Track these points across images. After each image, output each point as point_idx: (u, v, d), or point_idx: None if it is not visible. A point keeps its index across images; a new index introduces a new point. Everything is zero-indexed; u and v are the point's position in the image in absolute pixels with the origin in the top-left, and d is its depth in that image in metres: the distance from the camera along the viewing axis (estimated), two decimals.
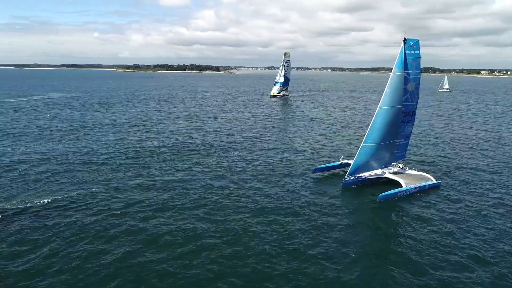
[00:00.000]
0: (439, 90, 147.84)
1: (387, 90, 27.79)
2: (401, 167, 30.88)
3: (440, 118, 70.09)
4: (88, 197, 25.62)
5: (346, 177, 28.19)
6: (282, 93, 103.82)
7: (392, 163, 30.93)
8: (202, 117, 66.01)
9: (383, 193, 25.75)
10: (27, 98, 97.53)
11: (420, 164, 35.12)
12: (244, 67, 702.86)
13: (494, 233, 21.66)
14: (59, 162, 33.94)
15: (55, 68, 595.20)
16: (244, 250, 19.19)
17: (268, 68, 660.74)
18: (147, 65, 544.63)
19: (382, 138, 27.95)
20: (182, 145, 42.22)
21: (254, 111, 76.07)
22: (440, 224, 22.78)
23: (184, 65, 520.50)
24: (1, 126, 52.60)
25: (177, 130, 52.65)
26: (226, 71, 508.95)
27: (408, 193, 26.83)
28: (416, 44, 28.36)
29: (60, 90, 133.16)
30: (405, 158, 32.16)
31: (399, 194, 26.29)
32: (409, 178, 28.99)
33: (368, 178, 29.09)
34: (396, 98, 27.82)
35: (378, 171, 29.50)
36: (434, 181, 28.93)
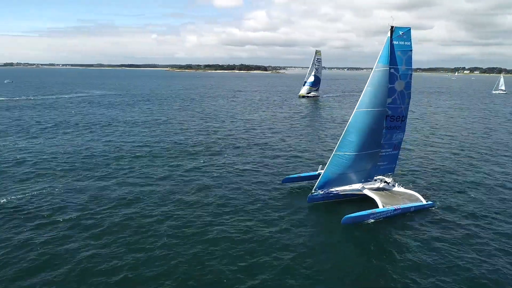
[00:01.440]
0: (494, 92, 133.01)
1: (367, 88, 22.98)
2: (388, 182, 25.74)
3: (484, 123, 61.37)
4: (29, 198, 23.86)
5: (313, 191, 23.78)
6: (312, 93, 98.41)
7: (376, 177, 25.93)
8: (219, 117, 63.51)
9: (349, 215, 21.12)
10: (68, 96, 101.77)
11: (422, 179, 29.55)
12: (294, 67, 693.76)
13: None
14: (49, 158, 32.98)
15: (115, 68, 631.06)
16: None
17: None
18: (198, 65, 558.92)
19: (359, 147, 23.15)
20: (177, 145, 39.76)
21: (277, 112, 71.95)
22: (419, 256, 17.92)
23: (233, 65, 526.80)
24: (20, 122, 53.97)
25: (185, 129, 50.40)
26: (274, 71, 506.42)
27: (384, 215, 21.86)
28: (406, 33, 23.19)
29: (103, 88, 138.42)
30: (394, 172, 26.90)
31: (371, 216, 21.45)
32: (391, 197, 23.92)
33: (342, 194, 24.43)
34: (378, 99, 22.89)
35: (357, 186, 24.70)
36: (424, 202, 23.56)
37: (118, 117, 61.42)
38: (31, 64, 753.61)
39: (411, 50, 23.51)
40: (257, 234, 19.84)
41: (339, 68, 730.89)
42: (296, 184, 26.87)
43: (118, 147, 38.59)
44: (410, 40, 23.30)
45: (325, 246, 18.96)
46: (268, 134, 48.10)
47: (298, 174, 27.63)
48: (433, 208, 23.54)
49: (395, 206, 22.31)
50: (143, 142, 41.57)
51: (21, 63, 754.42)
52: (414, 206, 22.95)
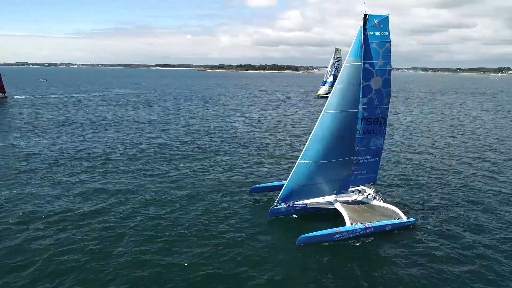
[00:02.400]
0: None
1: (336, 86, 19.87)
2: (367, 194, 22.44)
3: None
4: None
5: (275, 203, 20.94)
6: None
7: (354, 188, 22.71)
8: (234, 116, 61.60)
9: (306, 234, 18.17)
10: (91, 94, 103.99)
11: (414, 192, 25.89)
12: (326, 67, 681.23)
13: None
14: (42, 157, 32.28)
15: (150, 68, 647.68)
16: None
17: None
18: (230, 65, 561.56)
19: (327, 154, 20.06)
20: (170, 146, 38.06)
21: (292, 113, 68.51)
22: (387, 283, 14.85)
23: (265, 65, 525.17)
24: (31, 119, 54.58)
25: (192, 129, 48.85)
26: (306, 71, 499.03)
27: (352, 235, 18.70)
28: (383, 22, 19.88)
29: (128, 87, 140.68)
30: (376, 182, 23.49)
31: (335, 236, 18.35)
32: (366, 213, 20.65)
33: (311, 207, 21.46)
34: (349, 99, 19.70)
35: (329, 198, 21.62)
36: (405, 219, 20.12)
37: (124, 115, 60.88)
38: (74, 64, 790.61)
39: (389, 42, 20.15)
40: (197, 252, 17.39)
41: None
42: (268, 194, 23.96)
43: (97, 147, 37.37)
44: (387, 30, 19.95)
45: (274, 268, 16.17)
46: (269, 137, 45.31)
47: (268, 184, 24.76)
48: (414, 226, 20.09)
49: (367, 224, 19.08)
50: (125, 141, 40.16)
51: (64, 63, 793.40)
52: (392, 224, 19.58)
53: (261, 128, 51.35)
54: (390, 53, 20.28)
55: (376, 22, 19.71)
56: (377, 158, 22.36)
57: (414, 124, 56.33)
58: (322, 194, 21.30)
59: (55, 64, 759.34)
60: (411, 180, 28.12)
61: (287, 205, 21.04)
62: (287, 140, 43.33)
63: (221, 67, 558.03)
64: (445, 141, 43.54)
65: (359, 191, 22.55)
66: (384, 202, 21.92)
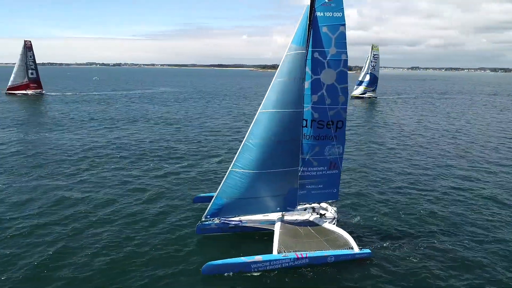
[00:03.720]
0: None
1: (275, 80, 16.15)
2: (321, 214, 18.33)
3: None
4: None
5: (203, 218, 17.64)
6: (368, 94, 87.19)
7: (307, 205, 18.71)
8: (241, 115, 59.10)
9: (214, 262, 14.73)
10: (133, 92, 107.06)
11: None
12: (384, 67, 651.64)
13: None
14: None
15: (204, 68, 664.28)
16: None
17: (412, 68, 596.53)
18: None
19: (262, 163, 16.37)
20: (164, 147, 36.32)
21: None
22: None
23: None
24: (62, 115, 56.35)
25: (206, 127, 47.15)
26: (359, 71, 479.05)
27: (276, 266, 14.91)
28: (336, 1, 15.77)
29: (170, 85, 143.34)
30: (338, 199, 19.21)
31: (253, 266, 14.71)
32: (308, 238, 16.62)
33: (247, 226, 17.87)
34: (290, 95, 15.89)
35: (273, 216, 17.90)
36: (356, 250, 15.81)
37: (148, 112, 60.64)
38: (136, 64, 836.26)
39: (344, 25, 15.98)
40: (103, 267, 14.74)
41: (435, 69, 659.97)
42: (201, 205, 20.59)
43: (83, 145, 36.36)
44: (342, 10, 15.81)
45: None
46: None
47: (213, 193, 21.41)
48: (369, 259, 15.75)
49: (300, 253, 15.16)
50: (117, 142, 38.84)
51: (127, 64, 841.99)
52: (336, 255, 15.44)
53: None
54: (345, 39, 16.10)
55: (327, 0, 15.68)
56: (336, 171, 18.13)
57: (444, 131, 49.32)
58: (261, 210, 17.63)
59: (119, 64, 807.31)
60: (387, 202, 23.11)
61: (218, 222, 17.69)
62: None
63: (273, 67, 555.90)
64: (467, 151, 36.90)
65: (314, 209, 18.51)
66: (338, 225, 17.69)
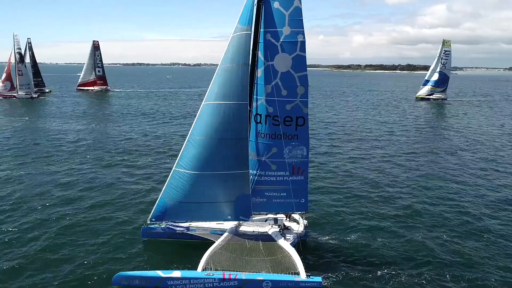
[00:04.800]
0: None
1: (218, 68, 13.83)
2: (283, 227, 15.38)
3: None
4: None
5: (148, 221, 15.85)
6: (435, 95, 77.82)
7: (269, 215, 15.89)
8: None
9: (124, 273, 12.85)
10: (197, 89, 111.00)
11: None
12: (476, 67, 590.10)
13: None
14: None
15: None
16: None
17: (510, 69, 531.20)
18: (358, 65, 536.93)
19: (205, 163, 14.13)
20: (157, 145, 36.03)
21: (374, 117, 58.75)
22: None
23: (397, 65, 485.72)
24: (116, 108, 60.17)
25: None
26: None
27: (197, 285, 12.48)
28: None
29: None
30: (307, 211, 15.97)
31: (168, 283, 12.52)
32: (250, 256, 13.86)
33: (195, 235, 15.67)
34: (233, 85, 13.43)
35: (229, 224, 15.49)
36: (302, 278, 12.70)
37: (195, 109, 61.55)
38: (215, 64, 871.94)
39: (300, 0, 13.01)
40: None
41: None
42: None
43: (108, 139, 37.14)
44: None
45: None
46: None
47: None
48: None
49: (229, 274, 12.61)
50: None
51: (207, 64, 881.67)
52: (273, 280, 12.58)
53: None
54: (301, 16, 13.15)
55: None
56: (302, 177, 15.07)
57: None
58: (209, 217, 15.35)
59: (199, 65, 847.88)
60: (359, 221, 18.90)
61: (164, 226, 15.83)
62: (363, 145, 36.09)
63: (348, 67, 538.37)
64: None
65: (276, 221, 15.67)
66: (292, 243, 14.61)
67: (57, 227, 17.03)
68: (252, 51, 13.69)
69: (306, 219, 16.29)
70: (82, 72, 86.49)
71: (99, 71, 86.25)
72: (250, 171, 15.04)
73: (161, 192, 15.34)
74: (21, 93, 75.32)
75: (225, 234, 14.87)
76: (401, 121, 53.10)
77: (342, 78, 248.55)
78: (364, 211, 19.68)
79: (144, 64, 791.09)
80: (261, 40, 13.57)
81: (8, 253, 14.73)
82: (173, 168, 14.93)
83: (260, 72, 13.87)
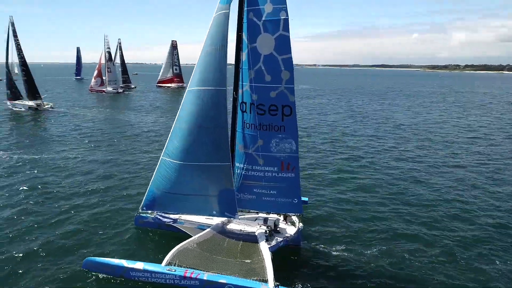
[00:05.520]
0: None
1: (201, 53, 12.93)
2: (269, 229, 13.81)
3: None
4: None
5: (140, 209, 15.56)
6: None
7: (261, 214, 14.46)
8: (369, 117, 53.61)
9: (93, 258, 12.62)
10: None
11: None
12: None
13: None
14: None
15: (365, 68, 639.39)
16: None
17: None
18: (457, 65, 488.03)
19: (187, 153, 13.33)
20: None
21: (435, 119, 53.17)
22: None
23: (500, 65, 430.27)
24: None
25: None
26: None
27: (158, 279, 11.73)
28: None
29: (310, 84, 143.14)
30: (302, 213, 14.09)
31: (131, 274, 11.98)
32: (222, 255, 12.61)
33: (181, 228, 14.95)
34: (211, 69, 12.44)
35: (216, 221, 14.54)
36: (270, 286, 11.14)
37: None
38: (298, 65, 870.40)
39: None
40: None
41: None
42: None
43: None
44: None
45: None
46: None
47: None
48: None
49: (190, 272, 11.63)
50: None
51: (294, 64, 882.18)
52: (236, 285, 11.26)
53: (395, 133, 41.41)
54: None
55: None
56: (292, 174, 13.40)
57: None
58: (195, 211, 14.51)
59: None
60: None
61: (153, 216, 15.46)
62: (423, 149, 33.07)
63: (444, 67, 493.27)
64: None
65: (265, 221, 14.22)
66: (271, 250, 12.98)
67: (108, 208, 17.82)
68: (236, 32, 12.56)
69: (303, 222, 14.57)
70: (161, 70, 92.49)
71: (176, 69, 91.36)
72: (238, 164, 13.95)
73: (151, 181, 14.99)
74: (109, 88, 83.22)
75: (207, 230, 13.94)
76: (490, 125, 46.21)
77: (432, 78, 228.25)
78: (386, 222, 17.10)
79: (231, 64, 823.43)
80: (245, 20, 12.33)
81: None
82: (160, 157, 14.46)
83: (244, 56, 12.65)
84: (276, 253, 13.08)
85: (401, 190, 21.09)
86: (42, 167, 24.27)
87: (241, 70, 12.82)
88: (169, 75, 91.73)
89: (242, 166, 13.76)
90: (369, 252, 14.16)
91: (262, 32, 12.05)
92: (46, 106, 53.29)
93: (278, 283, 11.15)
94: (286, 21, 11.74)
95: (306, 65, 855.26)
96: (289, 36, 11.89)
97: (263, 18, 11.95)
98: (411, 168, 25.62)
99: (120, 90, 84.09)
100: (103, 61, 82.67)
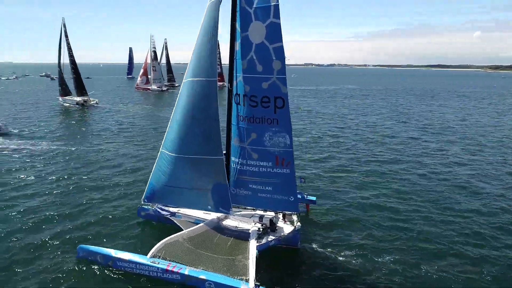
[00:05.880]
0: None
1: (195, 44, 12.65)
2: (263, 227, 13.20)
3: None
4: None
5: (142, 201, 15.58)
6: None
7: (259, 212, 13.89)
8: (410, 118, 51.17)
9: (86, 246, 12.82)
10: (316, 87, 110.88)
11: None
12: None
13: None
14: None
15: (421, 68, 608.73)
16: None
17: None
18: None
19: (182, 145, 13.17)
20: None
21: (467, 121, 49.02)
22: None
23: None
24: None
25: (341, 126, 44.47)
26: None
27: (142, 271, 11.66)
28: None
29: (358, 84, 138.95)
30: (298, 212, 13.25)
31: (118, 264, 11.98)
32: (209, 250, 12.23)
33: (179, 223, 14.76)
34: (202, 60, 12.19)
35: (213, 216, 14.23)
36: (247, 287, 10.56)
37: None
38: (348, 65, 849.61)
39: None
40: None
41: None
42: None
43: None
44: None
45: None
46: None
47: None
48: None
49: (173, 266, 11.43)
50: None
51: (341, 64, 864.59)
52: (216, 283, 10.83)
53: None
54: None
55: None
56: (288, 170, 12.71)
57: None
58: (191, 205, 14.32)
59: (333, 65, 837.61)
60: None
61: (154, 208, 15.46)
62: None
63: (509, 67, 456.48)
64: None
65: (261, 218, 13.64)
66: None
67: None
68: (231, 22, 12.15)
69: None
70: None
71: (218, 69, 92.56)
72: (233, 159, 13.54)
73: (151, 173, 15.00)
74: (154, 86, 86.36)
75: (199, 225, 13.71)
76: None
77: (494, 79, 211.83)
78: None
79: None
80: (238, 8, 11.88)
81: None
82: (160, 149, 14.41)
83: (238, 46, 12.19)
84: (268, 252, 12.53)
85: (437, 197, 19.16)
86: (76, 159, 25.46)
87: (235, 61, 12.38)
88: None
89: (237, 160, 13.32)
90: (376, 261, 13.04)
91: (253, 20, 11.52)
92: (92, 102, 56.28)
93: (258, 283, 10.59)
94: (277, 7, 11.11)
95: (356, 65, 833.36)
96: (280, 24, 11.25)
97: (254, 5, 11.41)
98: (455, 174, 23.44)
99: (164, 88, 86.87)
100: (148, 60, 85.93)
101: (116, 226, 15.62)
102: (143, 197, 15.43)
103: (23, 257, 13.04)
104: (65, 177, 21.58)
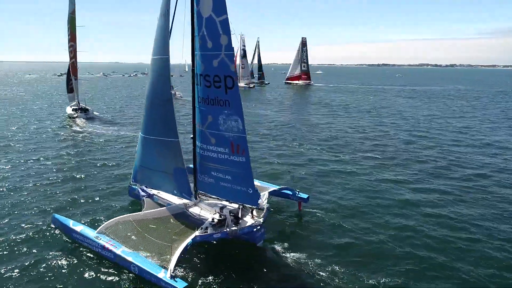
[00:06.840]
0: None
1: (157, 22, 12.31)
2: (221, 219, 12.17)
3: None
4: None
5: (131, 180, 15.75)
6: None
7: (224, 202, 12.89)
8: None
9: (59, 216, 13.33)
10: (420, 87, 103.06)
11: None
12: None
13: None
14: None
15: None
16: None
17: None
18: None
19: (147, 125, 13.08)
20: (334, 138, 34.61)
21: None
22: None
23: None
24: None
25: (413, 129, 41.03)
26: None
27: (88, 244, 11.74)
28: None
29: (464, 84, 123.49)
30: (257, 206, 11.77)
31: (73, 235, 12.31)
32: (158, 235, 11.71)
33: (159, 202, 14.58)
34: (158, 37, 11.87)
35: (185, 202, 13.80)
36: (165, 276, 9.74)
37: (381, 105, 56.92)
38: (471, 65, 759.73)
39: None
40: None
41: None
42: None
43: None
44: None
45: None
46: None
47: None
48: None
49: (111, 244, 11.23)
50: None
51: (463, 65, 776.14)
52: (140, 268, 10.22)
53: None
54: None
55: None
56: (243, 158, 11.49)
57: None
58: (161, 188, 14.06)
59: (453, 65, 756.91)
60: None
61: (141, 188, 15.56)
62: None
63: None
64: None
65: (221, 209, 12.63)
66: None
67: None
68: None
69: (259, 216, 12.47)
70: (290, 67, 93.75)
71: (304, 66, 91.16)
72: (197, 143, 12.87)
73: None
74: (242, 83, 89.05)
75: (161, 209, 13.39)
76: None
77: None
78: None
79: (389, 65, 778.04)
80: None
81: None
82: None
83: (195, 23, 11.46)
84: (214, 245, 11.58)
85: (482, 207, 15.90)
86: (123, 143, 27.40)
87: (196, 38, 11.66)
88: (297, 72, 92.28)
89: (199, 145, 12.63)
90: (340, 274, 11.08)
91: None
92: (178, 95, 60.39)
93: (174, 274, 9.80)
94: None
95: (481, 65, 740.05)
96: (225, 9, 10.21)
97: None
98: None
99: (251, 86, 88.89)
100: (238, 58, 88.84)
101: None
102: (131, 177, 15.72)
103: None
104: (101, 157, 23.40)
